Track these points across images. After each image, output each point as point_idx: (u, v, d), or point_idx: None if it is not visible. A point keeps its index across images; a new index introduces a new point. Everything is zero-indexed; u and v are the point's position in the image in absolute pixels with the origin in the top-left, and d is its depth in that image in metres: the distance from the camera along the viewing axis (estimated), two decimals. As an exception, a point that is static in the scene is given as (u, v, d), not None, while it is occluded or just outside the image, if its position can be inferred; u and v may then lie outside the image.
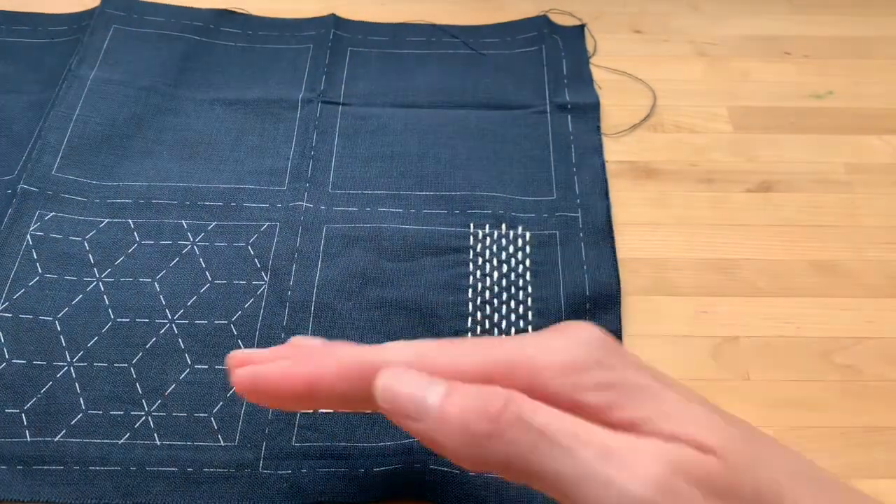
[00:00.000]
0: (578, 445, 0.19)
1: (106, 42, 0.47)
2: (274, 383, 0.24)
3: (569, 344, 0.22)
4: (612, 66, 0.49)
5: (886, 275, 0.39)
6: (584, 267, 0.38)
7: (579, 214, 0.40)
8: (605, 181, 0.42)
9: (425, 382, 0.21)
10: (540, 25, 0.50)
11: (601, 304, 0.37)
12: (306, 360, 0.24)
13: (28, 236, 0.38)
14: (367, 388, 0.22)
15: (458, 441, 0.20)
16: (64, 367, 0.34)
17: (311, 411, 0.33)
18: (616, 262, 0.38)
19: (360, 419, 0.33)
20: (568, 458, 0.19)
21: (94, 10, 0.50)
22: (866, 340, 0.37)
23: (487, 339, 0.24)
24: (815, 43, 0.51)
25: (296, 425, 0.33)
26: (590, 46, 0.50)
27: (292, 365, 0.24)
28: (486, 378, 0.21)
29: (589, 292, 0.37)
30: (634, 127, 0.45)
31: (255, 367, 0.24)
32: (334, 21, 0.50)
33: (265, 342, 0.35)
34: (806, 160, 0.44)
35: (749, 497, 0.19)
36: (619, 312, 0.37)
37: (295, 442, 0.32)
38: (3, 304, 0.36)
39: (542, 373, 0.21)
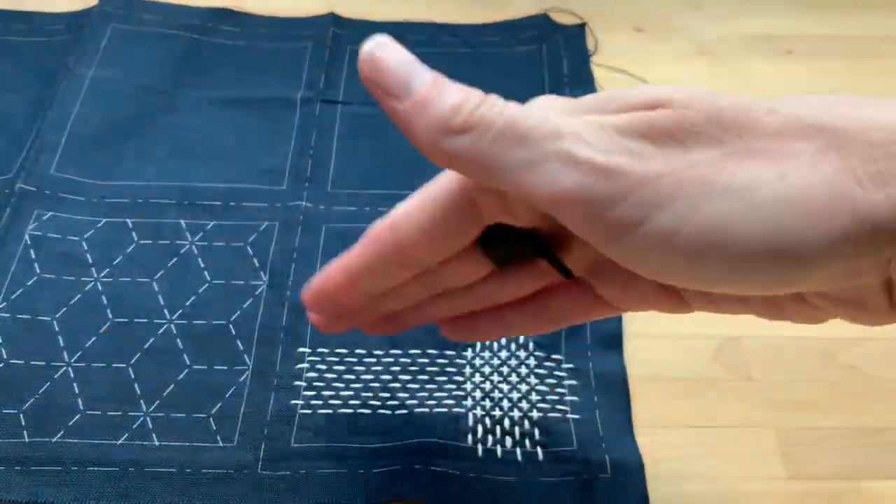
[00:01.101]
0: (538, 134, 0.19)
1: (104, 41, 0.47)
2: (319, 288, 0.26)
3: None
4: (613, 65, 0.48)
5: None
6: None
7: None
8: None
9: (415, 66, 0.21)
10: (541, 24, 0.50)
11: None
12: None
13: (26, 236, 0.38)
14: (390, 253, 0.24)
15: (431, 129, 0.21)
16: (62, 367, 0.34)
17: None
18: None
19: (360, 420, 0.33)
20: (528, 146, 0.19)
21: (92, 8, 0.50)
22: (868, 341, 0.36)
23: None
24: (816, 42, 0.50)
25: (295, 426, 0.33)
26: (591, 45, 0.49)
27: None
28: None
29: None
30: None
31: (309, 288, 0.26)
32: (333, 20, 0.50)
33: (264, 343, 0.35)
34: None
35: (710, 127, 0.19)
36: None
37: (294, 443, 0.32)
38: (1, 303, 0.36)
39: None
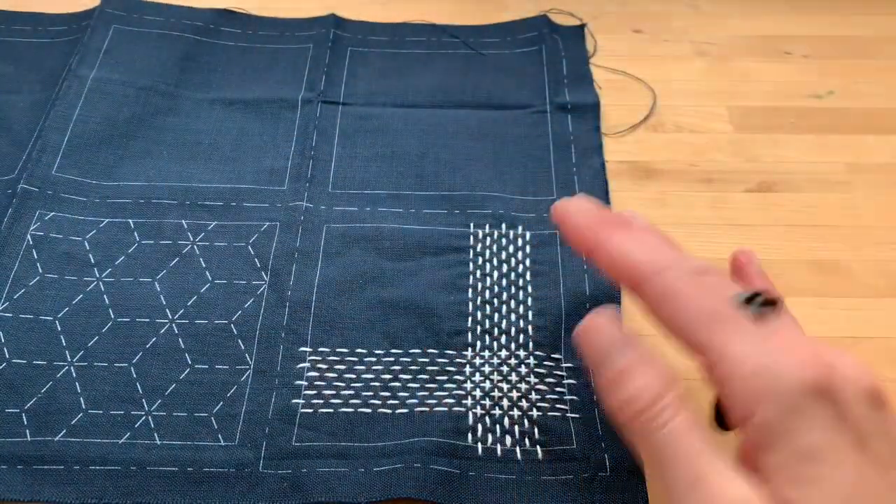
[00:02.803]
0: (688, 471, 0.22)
1: (106, 42, 0.47)
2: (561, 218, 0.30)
3: (789, 384, 0.22)
4: (612, 66, 0.49)
5: (886, 275, 0.39)
6: (585, 266, 0.38)
7: None
8: (606, 181, 0.42)
9: (615, 347, 0.25)
10: (540, 25, 0.50)
11: (601, 304, 0.37)
12: (597, 224, 0.29)
13: (28, 236, 0.38)
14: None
15: (611, 406, 0.25)
16: (64, 366, 0.34)
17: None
18: None
19: (360, 419, 0.33)
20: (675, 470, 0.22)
21: (94, 9, 0.50)
22: (866, 340, 0.36)
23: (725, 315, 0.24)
24: (816, 43, 0.51)
25: (296, 425, 0.33)
26: (590, 46, 0.50)
27: (584, 224, 0.29)
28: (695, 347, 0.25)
29: (589, 291, 0.37)
30: (634, 127, 0.45)
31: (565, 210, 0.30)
32: (334, 21, 0.50)
33: (266, 342, 0.35)
34: (806, 160, 0.44)
35: None
36: (620, 311, 0.37)
37: (295, 441, 0.32)
38: (3, 303, 0.36)
39: (735, 384, 0.23)
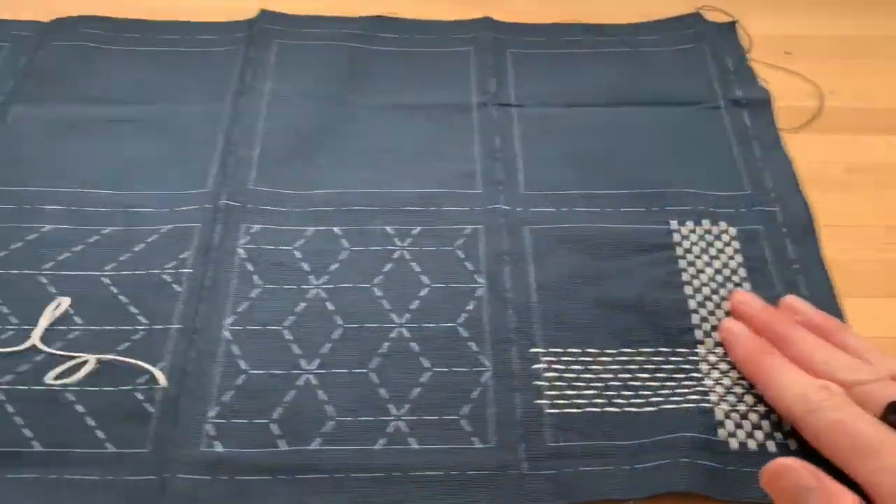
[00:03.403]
0: None
1: (272, 56, 0.48)
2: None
3: None
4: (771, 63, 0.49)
5: (887, 274, 0.39)
6: (796, 265, 0.38)
7: (777, 209, 0.40)
8: (795, 175, 0.42)
9: (807, 492, 0.25)
10: (695, 22, 0.50)
11: (820, 305, 0.36)
12: (752, 347, 0.34)
13: (240, 249, 0.39)
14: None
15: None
16: (303, 374, 0.34)
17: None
18: (823, 260, 0.38)
19: (610, 418, 0.33)
20: None
21: (247, 21, 0.50)
22: (866, 340, 0.35)
23: None
24: (816, 42, 0.51)
25: (546, 425, 0.33)
26: (744, 42, 0.50)
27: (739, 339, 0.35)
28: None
29: (807, 291, 0.37)
30: (804, 125, 0.45)
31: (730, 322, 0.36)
32: (490, 23, 0.50)
33: (498, 344, 0.35)
34: (806, 160, 0.43)
35: None
36: (841, 314, 0.37)
37: (550, 442, 0.33)
38: (230, 318, 0.36)
39: None
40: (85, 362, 0.34)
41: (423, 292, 0.37)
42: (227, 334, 0.36)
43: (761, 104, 0.45)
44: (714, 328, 0.36)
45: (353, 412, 0.33)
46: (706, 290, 0.37)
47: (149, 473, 0.31)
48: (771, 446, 0.32)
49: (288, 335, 0.36)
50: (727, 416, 0.33)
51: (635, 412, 0.33)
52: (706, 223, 0.40)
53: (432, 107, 0.46)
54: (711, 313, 0.37)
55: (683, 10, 0.51)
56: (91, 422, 0.33)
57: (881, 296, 0.38)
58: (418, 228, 0.40)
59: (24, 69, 0.47)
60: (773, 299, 0.36)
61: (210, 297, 0.37)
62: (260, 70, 0.47)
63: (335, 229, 0.40)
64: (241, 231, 0.39)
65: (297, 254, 0.39)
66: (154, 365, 0.34)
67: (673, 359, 0.35)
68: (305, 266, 0.38)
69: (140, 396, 0.34)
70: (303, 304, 0.37)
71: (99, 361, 0.34)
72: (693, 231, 0.39)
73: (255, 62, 0.47)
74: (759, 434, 0.33)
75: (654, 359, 0.35)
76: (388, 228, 0.40)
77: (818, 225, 0.40)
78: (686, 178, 0.42)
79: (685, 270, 0.38)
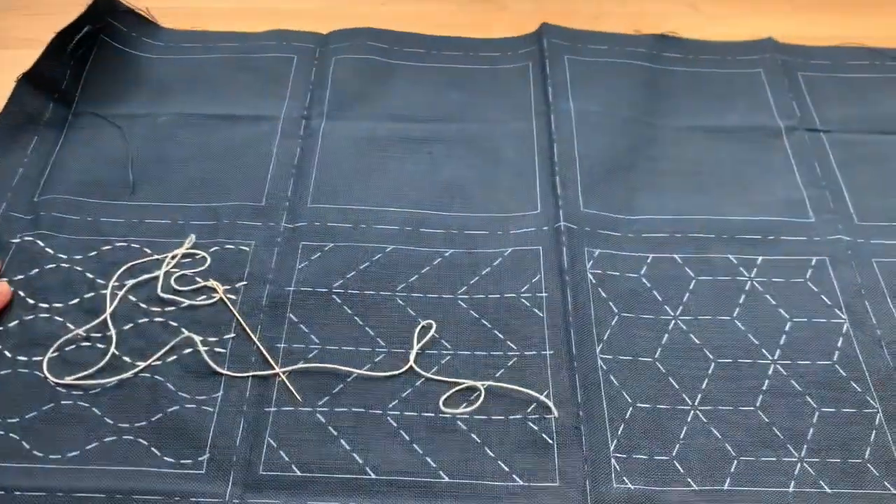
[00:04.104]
0: None
1: (567, 73, 0.47)
2: None
3: None
4: None
5: None
6: None
7: None
8: None
9: None
10: None
11: None
12: None
13: (588, 274, 0.38)
14: None
15: None
16: (689, 410, 0.34)
17: None
18: None
19: None
20: None
21: (534, 35, 0.49)
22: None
23: None
24: (816, 43, 0.50)
25: None
26: None
27: None
28: None
29: None
30: None
31: None
32: (774, 45, 0.49)
33: (883, 385, 0.34)
34: None
35: None
36: None
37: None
38: (599, 345, 0.35)
39: None
40: (477, 391, 0.34)
41: (787, 326, 0.36)
42: (601, 363, 0.35)
43: None
44: None
45: (753, 452, 0.32)
46: None
47: None
48: None
49: (661, 367, 0.35)
50: None
51: None
52: None
53: (738, 130, 0.45)
54: None
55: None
56: (490, 452, 0.32)
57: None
58: (760, 258, 0.39)
59: (315, 83, 0.47)
60: None
61: (575, 324, 0.36)
62: (559, 89, 0.46)
63: (675, 257, 0.39)
64: (586, 255, 0.38)
65: (645, 281, 0.38)
66: (541, 393, 0.34)
67: None
68: (657, 295, 0.37)
69: (534, 427, 0.33)
70: (666, 336, 0.36)
71: (486, 389, 0.34)
72: None
73: (554, 81, 0.46)
74: None
75: None
76: (731, 258, 0.39)
77: None
78: None
79: None
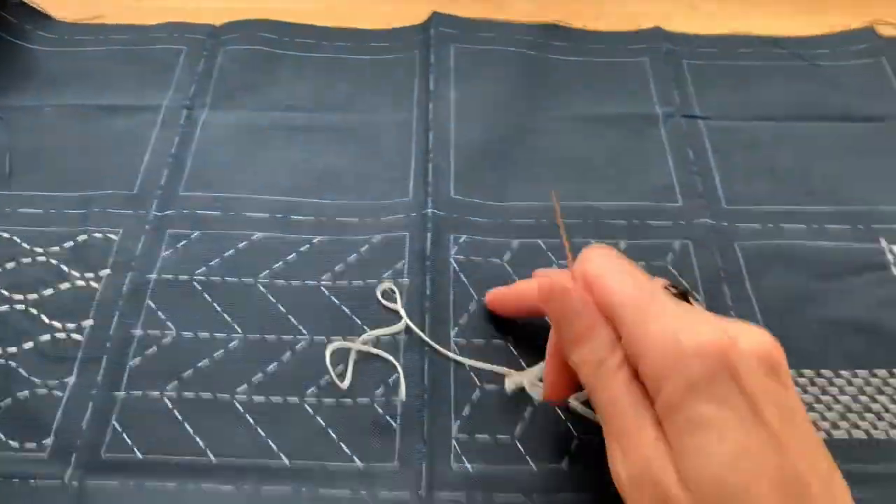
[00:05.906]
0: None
1: (452, 61, 0.47)
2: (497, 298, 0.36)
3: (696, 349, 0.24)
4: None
5: None
6: None
7: None
8: None
9: (583, 308, 0.28)
10: (870, 37, 0.49)
11: None
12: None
13: (451, 260, 0.38)
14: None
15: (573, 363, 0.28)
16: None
17: None
18: None
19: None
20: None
21: (422, 26, 0.50)
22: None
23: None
24: None
25: None
26: (921, 57, 0.49)
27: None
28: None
29: None
30: None
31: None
32: (663, 35, 0.49)
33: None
34: None
35: None
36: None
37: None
38: (454, 329, 0.36)
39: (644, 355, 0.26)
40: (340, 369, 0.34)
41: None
42: (453, 346, 0.35)
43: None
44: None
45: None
46: (935, 313, 0.37)
47: (402, 489, 0.31)
48: None
49: (512, 350, 0.35)
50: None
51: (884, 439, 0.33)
52: (918, 243, 0.39)
53: (617, 118, 0.45)
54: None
55: (851, 23, 0.51)
56: (333, 435, 0.33)
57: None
58: (624, 244, 0.39)
59: (202, 73, 0.47)
60: None
61: (431, 308, 0.36)
62: (442, 78, 0.46)
63: (539, 242, 0.39)
64: (451, 241, 0.39)
65: (508, 268, 0.38)
66: (390, 376, 0.34)
67: (919, 382, 0.35)
68: (517, 279, 0.38)
69: (380, 410, 0.33)
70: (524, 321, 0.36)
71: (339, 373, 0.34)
72: (906, 251, 0.39)
73: (438, 69, 0.47)
74: None
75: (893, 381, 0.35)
76: (593, 242, 0.39)
77: None
78: (890, 196, 0.41)
79: (906, 291, 0.37)
